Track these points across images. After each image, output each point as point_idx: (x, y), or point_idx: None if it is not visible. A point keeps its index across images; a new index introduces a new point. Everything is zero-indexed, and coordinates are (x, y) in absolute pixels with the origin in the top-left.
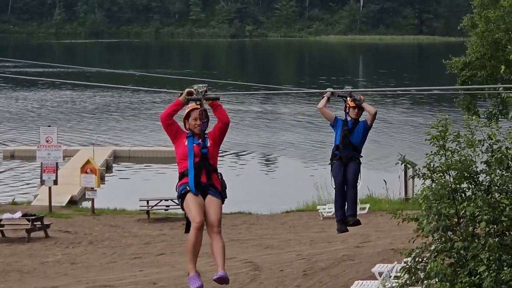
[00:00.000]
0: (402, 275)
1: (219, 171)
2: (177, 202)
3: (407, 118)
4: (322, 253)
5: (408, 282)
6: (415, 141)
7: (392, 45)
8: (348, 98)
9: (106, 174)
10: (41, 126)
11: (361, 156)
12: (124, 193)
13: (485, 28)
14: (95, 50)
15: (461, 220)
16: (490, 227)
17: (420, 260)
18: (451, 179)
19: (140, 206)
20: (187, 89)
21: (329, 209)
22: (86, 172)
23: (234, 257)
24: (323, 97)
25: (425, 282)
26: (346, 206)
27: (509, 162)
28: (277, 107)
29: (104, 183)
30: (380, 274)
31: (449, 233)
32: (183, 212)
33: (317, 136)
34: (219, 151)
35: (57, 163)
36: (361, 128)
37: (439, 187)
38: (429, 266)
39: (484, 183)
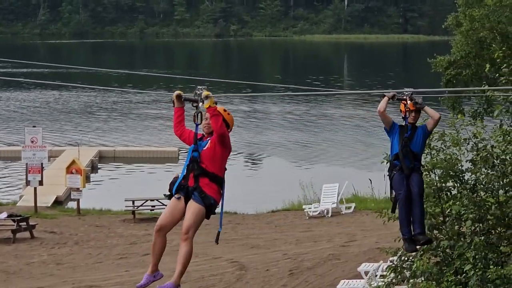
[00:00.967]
0: (388, 274)
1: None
2: (163, 203)
3: (392, 116)
4: (308, 253)
5: (394, 281)
6: None
7: (377, 44)
8: (409, 101)
9: (91, 175)
10: (26, 127)
11: (423, 166)
12: (109, 193)
13: (469, 27)
14: (79, 50)
15: (447, 218)
16: (476, 225)
17: (406, 259)
18: (437, 178)
19: (126, 206)
20: (175, 93)
21: (314, 208)
22: (72, 173)
23: (220, 256)
24: (383, 98)
25: (411, 281)
26: (412, 223)
27: (494, 160)
28: (264, 107)
29: (89, 184)
30: (366, 273)
31: (435, 231)
32: None
33: (302, 136)
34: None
35: (42, 164)
36: (420, 134)
37: (425, 185)
38: (415, 265)
39: (470, 181)
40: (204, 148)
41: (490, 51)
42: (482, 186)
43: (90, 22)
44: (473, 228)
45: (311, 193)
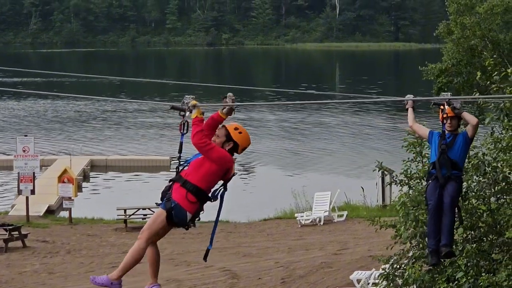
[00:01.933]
0: (380, 282)
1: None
2: (155, 211)
3: (384, 124)
4: (300, 261)
5: None
6: (392, 148)
7: (368, 52)
8: (446, 107)
9: (83, 183)
10: (17, 136)
11: (463, 174)
12: (101, 202)
13: (461, 35)
14: (71, 59)
15: None
16: (468, 233)
17: (398, 266)
18: None
19: (118, 215)
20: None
21: (307, 216)
22: (63, 182)
23: (212, 265)
24: (407, 109)
25: None
26: (441, 234)
27: (486, 168)
28: (256, 115)
29: (81, 192)
30: (358, 281)
31: (427, 239)
32: None
33: (294, 144)
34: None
35: (34, 173)
36: (460, 141)
37: (417, 193)
38: (407, 272)
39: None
40: (198, 157)
41: (481, 58)
42: (473, 193)
43: (82, 31)
44: (464, 235)
45: (303, 201)
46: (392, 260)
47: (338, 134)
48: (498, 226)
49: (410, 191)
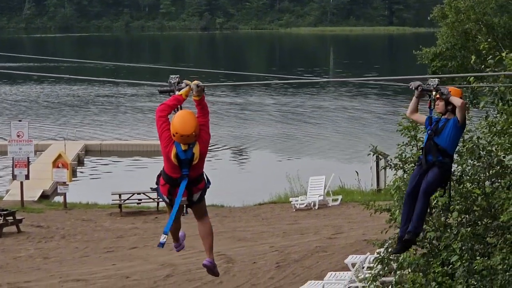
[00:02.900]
0: (375, 265)
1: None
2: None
3: (379, 108)
4: (295, 245)
5: (381, 272)
6: (387, 132)
7: (362, 36)
8: (434, 92)
9: (77, 168)
10: (12, 121)
11: (452, 161)
12: (96, 187)
13: (455, 19)
14: (65, 44)
15: (433, 210)
16: (462, 217)
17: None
18: None
19: (112, 200)
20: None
21: (301, 200)
22: (58, 167)
23: None
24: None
25: (398, 272)
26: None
27: (480, 152)
28: (250, 99)
29: (76, 177)
30: (353, 265)
31: None
32: None
33: (289, 128)
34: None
35: (28, 158)
36: (450, 126)
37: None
38: (402, 256)
39: (456, 173)
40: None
41: (476, 42)
42: (468, 177)
43: (76, 16)
44: (459, 219)
45: (297, 185)
46: (387, 244)
47: (333, 118)
48: (492, 210)
49: (405, 175)
